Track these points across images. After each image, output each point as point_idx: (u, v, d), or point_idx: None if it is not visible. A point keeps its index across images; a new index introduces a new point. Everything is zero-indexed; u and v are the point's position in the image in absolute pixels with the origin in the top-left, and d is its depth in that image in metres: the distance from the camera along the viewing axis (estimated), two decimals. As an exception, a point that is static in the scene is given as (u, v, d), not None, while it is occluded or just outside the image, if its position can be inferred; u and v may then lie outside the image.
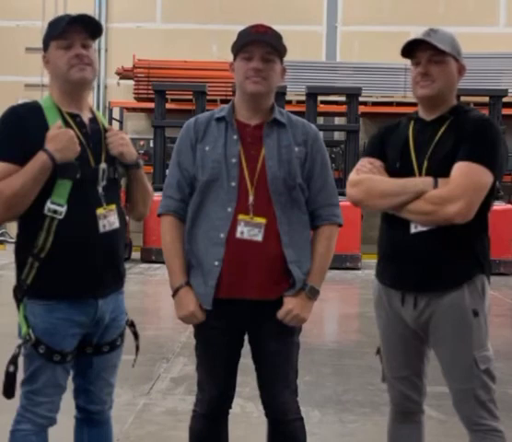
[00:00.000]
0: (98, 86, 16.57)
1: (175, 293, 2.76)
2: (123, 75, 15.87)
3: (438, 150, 2.72)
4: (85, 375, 2.79)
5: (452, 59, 2.73)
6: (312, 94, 13.26)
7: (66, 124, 2.65)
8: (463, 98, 10.17)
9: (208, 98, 13.38)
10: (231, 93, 13.50)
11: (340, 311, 9.23)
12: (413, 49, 2.75)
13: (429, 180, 2.68)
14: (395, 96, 15.08)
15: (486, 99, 13.15)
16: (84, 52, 2.64)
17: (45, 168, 2.56)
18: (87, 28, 2.67)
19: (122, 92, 16.44)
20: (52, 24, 2.70)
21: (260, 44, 2.67)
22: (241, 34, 2.73)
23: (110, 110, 15.79)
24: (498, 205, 11.40)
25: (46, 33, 2.70)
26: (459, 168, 2.63)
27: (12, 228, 14.43)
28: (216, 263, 2.69)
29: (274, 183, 2.71)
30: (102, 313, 2.70)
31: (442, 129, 2.75)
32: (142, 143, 15.66)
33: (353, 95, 13.29)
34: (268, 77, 2.69)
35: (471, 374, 2.70)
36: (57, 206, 2.59)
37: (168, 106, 13.93)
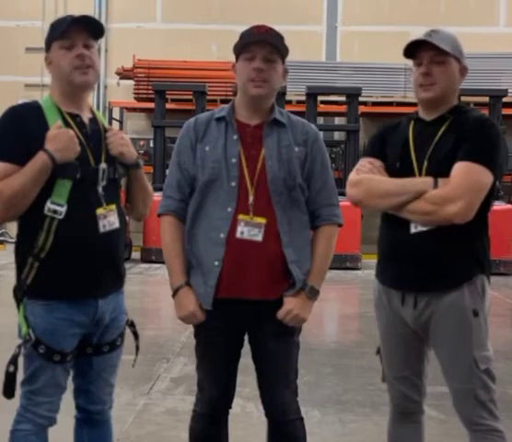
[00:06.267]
0: (98, 86, 16.55)
1: (175, 293, 2.76)
2: (123, 75, 15.87)
3: (438, 150, 2.72)
4: (85, 375, 2.79)
5: (454, 60, 2.73)
6: (312, 94, 13.26)
7: (66, 124, 2.65)
8: (463, 98, 10.16)
9: (208, 98, 13.38)
10: (231, 93, 13.50)
11: (340, 311, 9.22)
12: (414, 49, 2.75)
13: (429, 180, 2.68)
14: (395, 96, 15.09)
15: (486, 99, 13.14)
16: (86, 53, 2.64)
17: (45, 169, 2.56)
18: (90, 28, 2.67)
19: (122, 92, 16.43)
20: (54, 25, 2.70)
21: (261, 44, 2.67)
22: (243, 35, 2.73)
23: (110, 110, 15.79)
24: (498, 205, 11.39)
25: (48, 34, 2.70)
26: (460, 168, 2.63)
27: (12, 228, 14.43)
28: (216, 263, 2.69)
29: (274, 183, 2.71)
30: (102, 313, 2.69)
31: (442, 129, 2.75)
32: (142, 143, 15.67)
33: (353, 95, 13.29)
34: (269, 79, 2.69)
35: (471, 374, 2.69)
36: (57, 206, 2.59)
37: (168, 106, 13.93)
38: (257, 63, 2.67)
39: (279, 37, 2.71)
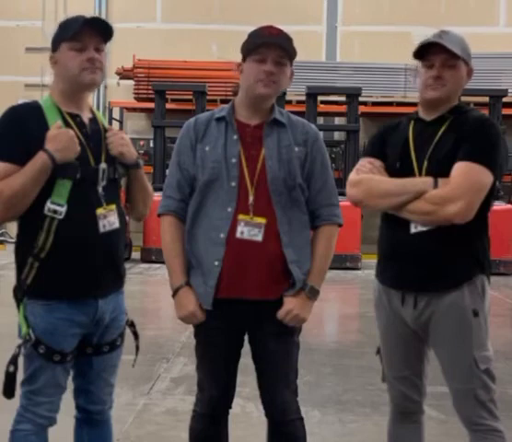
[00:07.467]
0: (99, 86, 16.55)
1: (175, 293, 2.76)
2: (123, 75, 15.87)
3: (438, 150, 2.72)
4: (85, 375, 2.79)
5: (463, 62, 2.73)
6: (312, 94, 13.26)
7: (66, 124, 2.65)
8: (463, 98, 10.18)
9: (208, 98, 13.39)
10: (231, 93, 13.49)
11: (340, 311, 9.22)
12: (424, 51, 2.74)
13: (429, 180, 2.68)
14: (395, 96, 15.09)
15: (486, 99, 13.14)
16: (97, 56, 2.63)
17: (45, 169, 2.55)
18: (100, 31, 2.65)
19: (122, 92, 16.43)
20: (63, 25, 2.66)
21: (273, 47, 2.65)
22: (253, 35, 2.71)
23: (110, 110, 15.79)
24: (498, 205, 11.39)
25: (57, 34, 2.67)
26: (460, 168, 2.63)
27: (12, 228, 14.42)
28: (216, 263, 2.69)
29: (274, 183, 2.71)
30: (102, 313, 2.70)
31: (442, 129, 2.75)
32: (142, 143, 15.67)
33: (353, 95, 13.29)
34: (278, 81, 2.69)
35: (471, 374, 2.70)
36: (57, 206, 2.59)
37: (168, 106, 13.94)
38: (268, 67, 2.65)
39: (289, 39, 2.70)
